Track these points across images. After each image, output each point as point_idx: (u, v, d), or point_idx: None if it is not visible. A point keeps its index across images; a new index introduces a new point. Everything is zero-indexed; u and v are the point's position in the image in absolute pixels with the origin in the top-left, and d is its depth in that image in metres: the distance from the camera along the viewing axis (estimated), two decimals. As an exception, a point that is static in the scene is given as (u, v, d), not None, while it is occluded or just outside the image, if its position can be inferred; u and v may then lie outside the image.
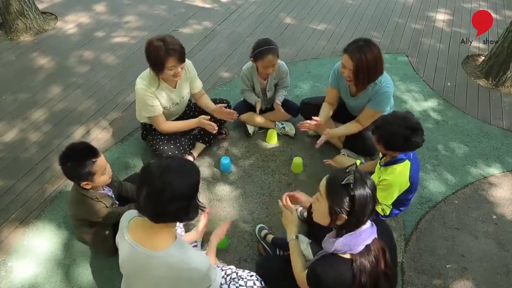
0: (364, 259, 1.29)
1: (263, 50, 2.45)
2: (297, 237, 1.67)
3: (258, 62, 2.53)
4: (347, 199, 1.27)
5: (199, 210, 1.34)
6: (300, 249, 1.61)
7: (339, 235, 1.34)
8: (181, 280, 1.31)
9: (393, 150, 1.90)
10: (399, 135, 1.78)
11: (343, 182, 1.28)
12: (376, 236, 1.36)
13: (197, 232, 1.97)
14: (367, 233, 1.32)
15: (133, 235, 1.32)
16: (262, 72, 2.61)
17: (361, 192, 1.27)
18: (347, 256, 1.32)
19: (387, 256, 1.32)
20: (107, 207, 1.90)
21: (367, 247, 1.31)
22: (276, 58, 2.50)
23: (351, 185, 1.26)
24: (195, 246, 2.02)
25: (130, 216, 1.39)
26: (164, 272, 1.29)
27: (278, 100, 2.73)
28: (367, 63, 2.10)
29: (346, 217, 1.30)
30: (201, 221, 2.03)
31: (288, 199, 1.79)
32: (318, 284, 1.34)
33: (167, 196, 1.20)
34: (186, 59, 2.28)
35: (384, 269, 1.32)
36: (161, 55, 2.10)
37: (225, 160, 2.58)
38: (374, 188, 1.31)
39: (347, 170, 1.30)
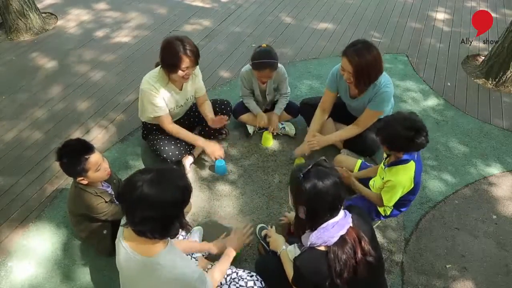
0: (338, 250, 1.33)
1: (261, 63, 2.43)
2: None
3: (254, 71, 2.53)
4: (300, 191, 1.34)
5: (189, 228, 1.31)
6: (289, 258, 1.70)
7: (312, 229, 1.39)
8: None
9: (397, 150, 1.90)
10: (403, 136, 1.78)
11: (295, 175, 1.35)
12: (351, 225, 1.39)
13: (213, 248, 1.92)
14: (339, 225, 1.36)
15: (127, 240, 1.31)
16: (258, 78, 2.61)
17: (313, 184, 1.31)
18: (323, 248, 1.37)
19: (364, 244, 1.36)
20: (106, 202, 1.91)
21: (342, 238, 1.35)
22: (273, 72, 2.50)
23: (302, 178, 1.32)
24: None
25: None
26: (155, 280, 1.28)
27: (276, 112, 2.76)
28: (366, 66, 2.09)
29: (305, 209, 1.36)
30: (230, 245, 1.83)
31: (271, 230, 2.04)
32: (299, 276, 1.41)
33: (140, 214, 1.17)
34: None
35: (363, 257, 1.36)
36: (178, 55, 2.10)
37: (220, 163, 2.51)
38: (336, 182, 1.34)
39: (308, 164, 1.37)
